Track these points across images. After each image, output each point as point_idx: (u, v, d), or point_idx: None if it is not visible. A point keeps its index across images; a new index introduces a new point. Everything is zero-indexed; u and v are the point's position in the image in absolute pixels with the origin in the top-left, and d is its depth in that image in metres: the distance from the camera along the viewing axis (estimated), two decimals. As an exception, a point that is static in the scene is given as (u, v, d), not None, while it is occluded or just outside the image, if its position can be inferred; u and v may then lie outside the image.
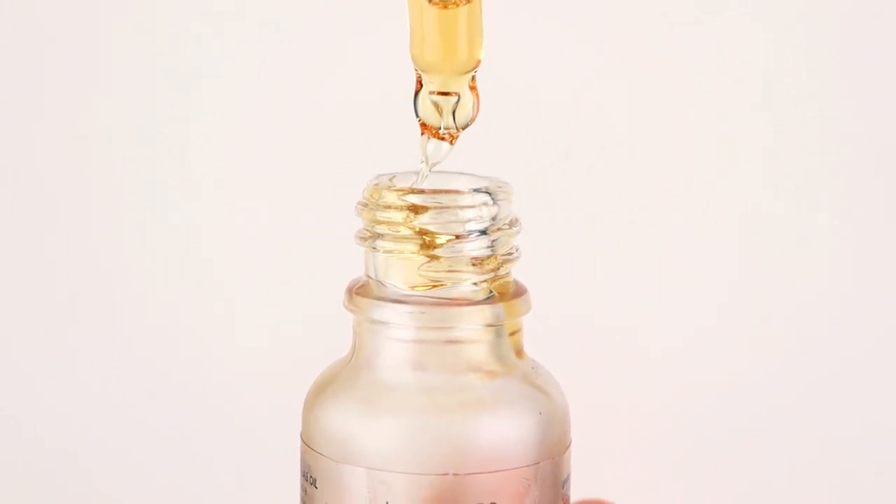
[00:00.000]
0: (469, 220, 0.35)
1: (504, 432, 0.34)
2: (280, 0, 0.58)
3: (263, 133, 0.58)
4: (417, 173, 0.36)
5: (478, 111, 0.36)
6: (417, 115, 0.36)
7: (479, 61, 0.36)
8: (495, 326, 0.35)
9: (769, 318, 0.59)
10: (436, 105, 0.36)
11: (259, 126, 0.58)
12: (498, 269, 0.35)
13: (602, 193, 0.58)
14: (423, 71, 0.36)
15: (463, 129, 0.36)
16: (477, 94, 0.36)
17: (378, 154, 0.52)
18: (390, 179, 0.36)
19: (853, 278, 0.59)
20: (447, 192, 0.35)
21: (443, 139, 0.36)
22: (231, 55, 0.58)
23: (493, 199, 0.35)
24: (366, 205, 0.35)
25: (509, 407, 0.35)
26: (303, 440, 0.36)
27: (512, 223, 0.36)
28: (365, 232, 0.36)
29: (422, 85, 0.36)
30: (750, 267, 0.58)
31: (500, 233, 0.35)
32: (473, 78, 0.36)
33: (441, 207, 0.34)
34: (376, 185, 0.36)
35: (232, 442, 0.58)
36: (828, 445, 0.59)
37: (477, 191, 0.35)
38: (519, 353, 0.36)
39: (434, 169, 0.36)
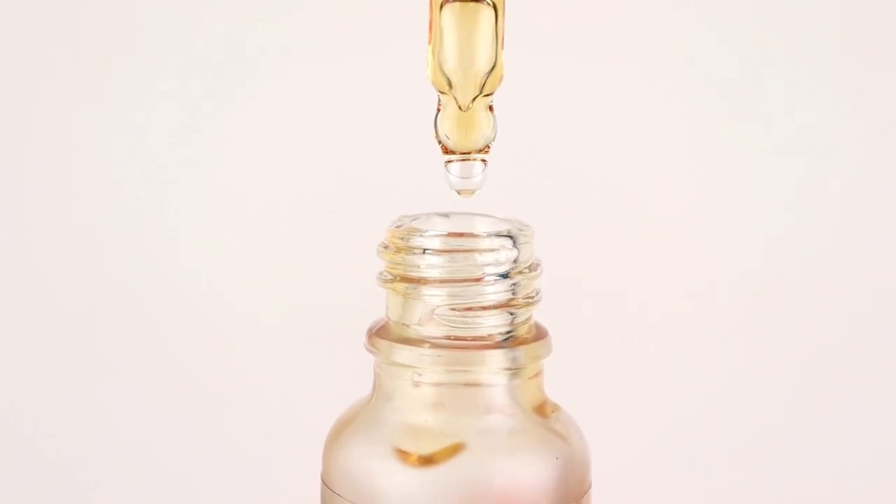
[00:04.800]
0: (487, 265, 0.34)
1: (521, 476, 0.34)
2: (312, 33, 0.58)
3: (284, 172, 0.58)
4: (445, 214, 0.36)
5: (496, 132, 0.35)
6: (437, 138, 0.35)
7: (501, 77, 0.35)
8: (514, 370, 0.35)
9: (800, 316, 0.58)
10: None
11: (282, 164, 0.58)
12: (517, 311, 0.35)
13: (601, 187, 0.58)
14: (441, 92, 0.35)
15: (481, 150, 0.35)
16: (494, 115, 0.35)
17: (405, 189, 0.51)
18: (411, 222, 0.36)
19: (856, 277, 0.58)
20: (464, 235, 0.35)
21: (468, 159, 0.35)
22: (263, 83, 0.58)
23: (514, 242, 0.35)
24: (387, 247, 0.35)
25: (526, 451, 0.35)
26: (322, 481, 0.36)
27: (532, 267, 0.35)
28: (386, 274, 0.36)
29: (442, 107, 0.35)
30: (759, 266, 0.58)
31: (520, 276, 0.35)
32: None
33: (458, 251, 0.34)
34: (398, 226, 0.36)
35: (253, 474, 0.58)
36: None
37: (497, 235, 0.35)
38: (538, 396, 0.36)
39: (467, 196, 0.35)
